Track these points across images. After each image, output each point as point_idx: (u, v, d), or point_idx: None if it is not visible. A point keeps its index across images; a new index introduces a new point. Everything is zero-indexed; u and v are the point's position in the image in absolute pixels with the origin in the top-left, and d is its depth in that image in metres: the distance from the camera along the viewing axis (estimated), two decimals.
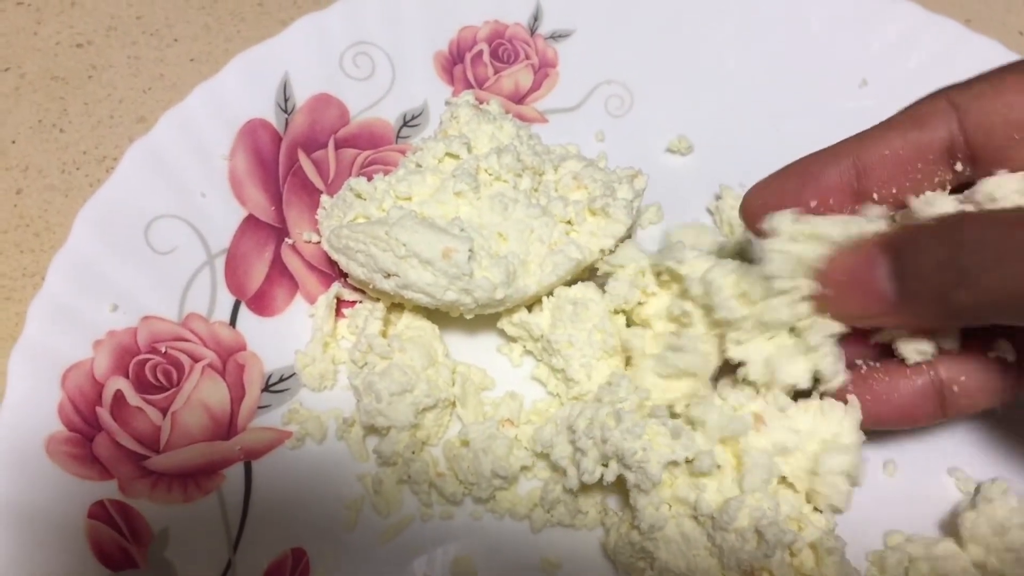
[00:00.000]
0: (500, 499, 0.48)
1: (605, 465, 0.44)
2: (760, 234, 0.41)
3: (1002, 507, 0.43)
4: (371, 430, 0.48)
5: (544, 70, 0.61)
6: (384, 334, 0.51)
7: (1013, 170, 0.39)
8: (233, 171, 0.54)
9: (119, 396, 0.47)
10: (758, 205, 0.42)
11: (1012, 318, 0.34)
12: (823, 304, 0.39)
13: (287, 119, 0.56)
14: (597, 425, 0.43)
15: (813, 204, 0.41)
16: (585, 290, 0.48)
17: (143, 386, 0.48)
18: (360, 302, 0.53)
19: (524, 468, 0.48)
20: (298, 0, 0.69)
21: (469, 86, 0.60)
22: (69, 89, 0.64)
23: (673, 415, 0.44)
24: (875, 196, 0.40)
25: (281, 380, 0.51)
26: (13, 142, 0.61)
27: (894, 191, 0.40)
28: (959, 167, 0.39)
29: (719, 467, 0.43)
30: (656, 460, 0.42)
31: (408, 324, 0.50)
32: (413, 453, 0.47)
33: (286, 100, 0.56)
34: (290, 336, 0.52)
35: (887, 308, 0.37)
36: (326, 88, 0.58)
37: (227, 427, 0.49)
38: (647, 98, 0.60)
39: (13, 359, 0.46)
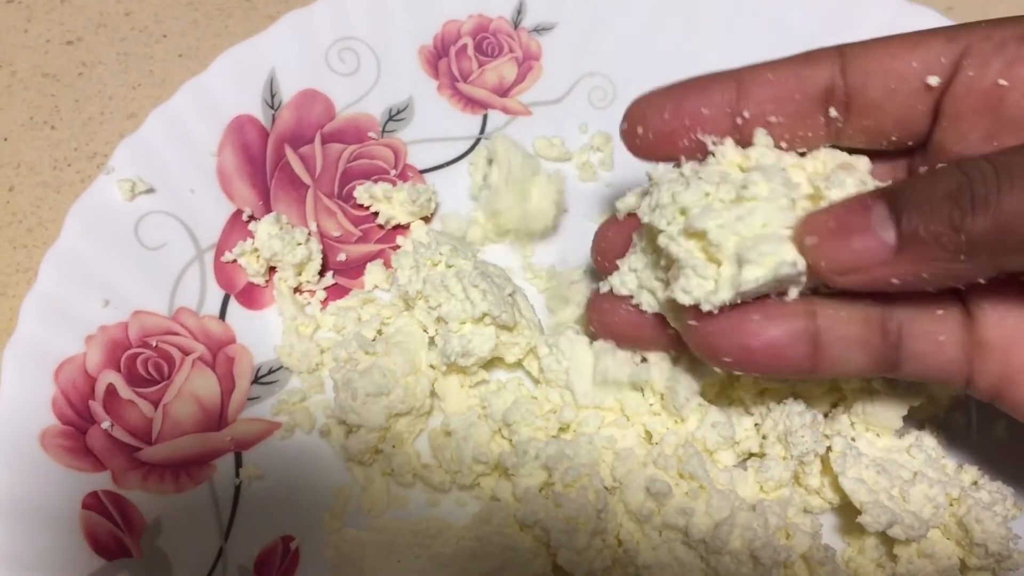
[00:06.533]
0: (484, 485, 0.49)
1: None
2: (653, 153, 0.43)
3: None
4: (343, 424, 0.49)
5: (528, 63, 0.62)
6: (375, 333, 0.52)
7: (881, 123, 0.39)
8: (221, 167, 0.55)
9: (111, 390, 0.48)
10: (640, 116, 0.43)
11: None
12: (810, 255, 0.34)
13: (274, 115, 0.57)
14: None
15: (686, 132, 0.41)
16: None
17: (135, 379, 0.49)
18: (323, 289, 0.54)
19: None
20: None
21: (454, 80, 0.61)
22: (60, 86, 0.64)
23: None
24: (746, 114, 0.39)
25: (270, 372, 0.52)
26: (5, 139, 0.62)
27: (771, 119, 0.39)
28: (833, 113, 0.39)
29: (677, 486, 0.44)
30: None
31: (400, 328, 0.51)
32: (394, 447, 0.48)
33: (272, 96, 0.57)
34: (279, 328, 0.53)
35: (884, 256, 0.32)
36: (312, 83, 0.58)
37: (218, 418, 0.50)
38: (630, 90, 0.58)
39: (6, 355, 0.47)
